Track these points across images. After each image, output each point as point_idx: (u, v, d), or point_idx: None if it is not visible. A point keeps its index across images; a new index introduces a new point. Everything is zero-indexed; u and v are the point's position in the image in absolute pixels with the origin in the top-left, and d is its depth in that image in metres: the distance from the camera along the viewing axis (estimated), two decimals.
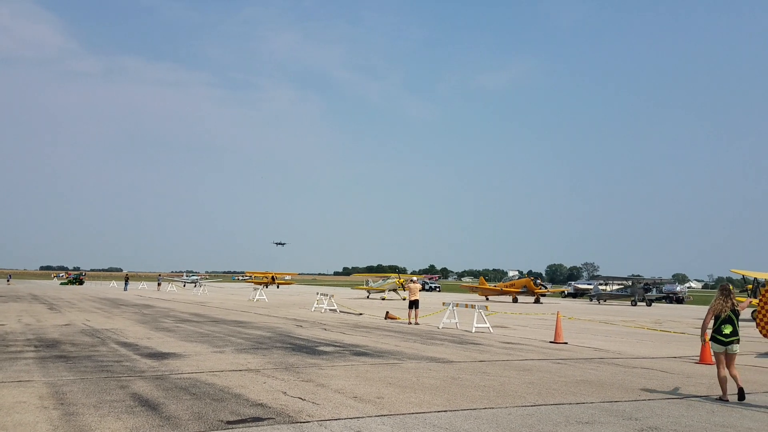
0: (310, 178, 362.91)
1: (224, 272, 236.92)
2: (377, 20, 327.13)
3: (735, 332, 9.33)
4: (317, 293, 33.62)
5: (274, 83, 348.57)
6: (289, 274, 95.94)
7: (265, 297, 43.59)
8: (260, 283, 72.15)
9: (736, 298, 9.65)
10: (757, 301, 17.34)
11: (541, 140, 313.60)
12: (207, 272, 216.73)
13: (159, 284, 70.50)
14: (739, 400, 9.23)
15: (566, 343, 17.43)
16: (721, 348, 9.41)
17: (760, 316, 16.43)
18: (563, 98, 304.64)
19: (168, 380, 9.83)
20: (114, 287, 75.09)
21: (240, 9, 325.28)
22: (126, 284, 68.20)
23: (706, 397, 9.60)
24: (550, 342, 17.64)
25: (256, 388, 9.32)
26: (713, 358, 9.85)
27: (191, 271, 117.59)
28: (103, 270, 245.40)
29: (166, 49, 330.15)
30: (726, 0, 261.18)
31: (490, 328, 20.68)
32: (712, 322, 9.68)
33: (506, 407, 8.41)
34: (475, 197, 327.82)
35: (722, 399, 9.37)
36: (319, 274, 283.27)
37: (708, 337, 9.69)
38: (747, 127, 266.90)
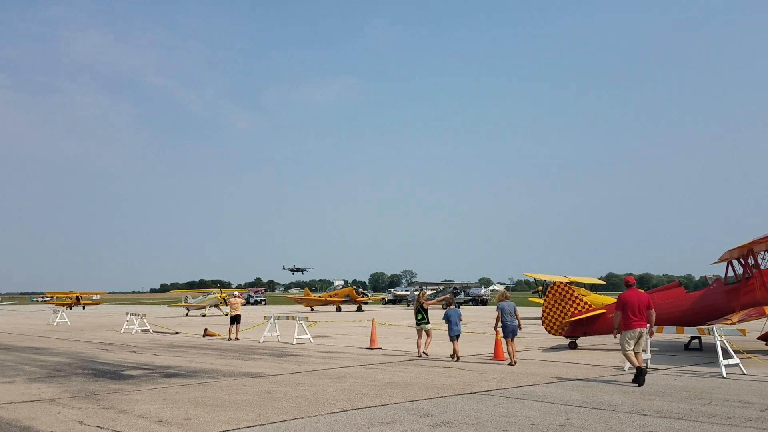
0: (122, 188, 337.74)
1: (21, 293, 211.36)
2: (194, 28, 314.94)
3: (423, 317, 15.98)
4: (127, 313, 31.39)
5: (81, 87, 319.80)
6: (97, 293, 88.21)
7: (67, 320, 39.74)
8: (63, 305, 65.40)
9: (428, 300, 16.72)
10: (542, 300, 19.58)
11: (362, 154, 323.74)
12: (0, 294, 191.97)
13: None
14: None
15: (380, 348, 18.28)
16: (418, 327, 16.04)
17: (545, 314, 18.58)
18: (381, 115, 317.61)
19: None
20: None
21: (40, 8, 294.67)
22: None
23: (495, 391, 10.72)
24: (366, 348, 18.38)
25: (49, 419, 8.63)
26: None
27: None
28: None
29: None
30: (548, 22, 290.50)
31: (311, 339, 20.99)
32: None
33: (315, 416, 8.69)
34: (300, 209, 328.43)
35: (419, 356, 15.72)
36: (134, 292, 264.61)
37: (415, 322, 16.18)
38: (542, 135, 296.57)
